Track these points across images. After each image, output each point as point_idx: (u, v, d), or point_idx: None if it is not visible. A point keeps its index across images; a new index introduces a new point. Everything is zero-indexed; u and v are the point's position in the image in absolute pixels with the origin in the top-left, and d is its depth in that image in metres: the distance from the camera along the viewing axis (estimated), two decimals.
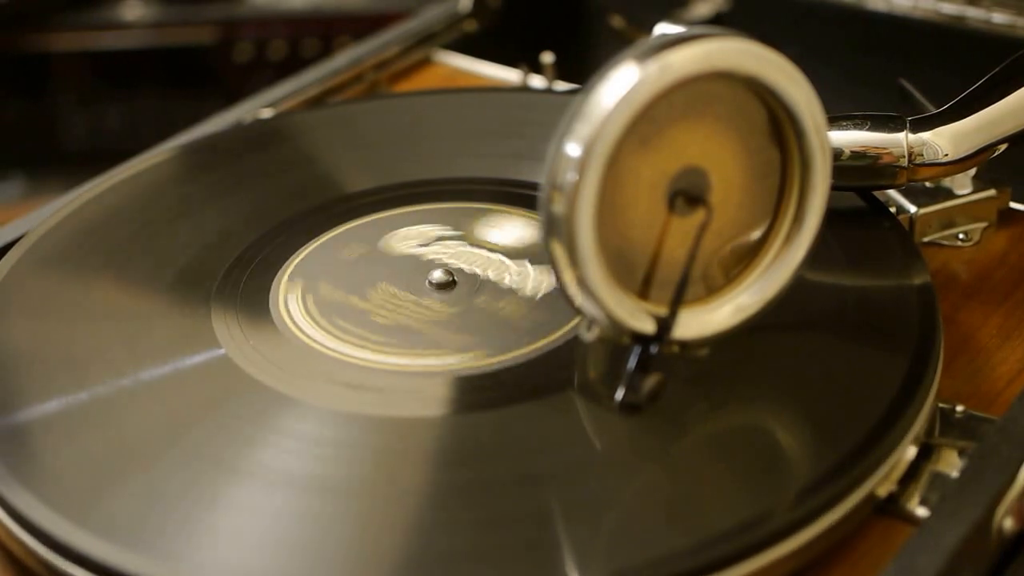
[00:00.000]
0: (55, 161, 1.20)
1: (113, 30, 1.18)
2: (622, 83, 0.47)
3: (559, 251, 0.48)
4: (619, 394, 0.49)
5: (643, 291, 0.51)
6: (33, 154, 1.20)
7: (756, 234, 0.53)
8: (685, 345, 0.52)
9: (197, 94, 1.19)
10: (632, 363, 0.50)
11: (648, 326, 0.50)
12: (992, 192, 0.67)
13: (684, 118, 0.50)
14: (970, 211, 0.67)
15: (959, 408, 0.55)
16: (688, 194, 0.51)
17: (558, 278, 0.49)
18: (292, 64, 1.03)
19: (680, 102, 0.49)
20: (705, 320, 0.52)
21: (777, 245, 0.53)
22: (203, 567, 0.47)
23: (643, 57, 0.47)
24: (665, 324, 0.50)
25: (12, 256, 0.63)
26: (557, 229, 0.48)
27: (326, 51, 1.14)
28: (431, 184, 0.68)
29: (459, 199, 0.66)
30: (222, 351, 0.56)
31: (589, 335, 0.51)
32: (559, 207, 0.47)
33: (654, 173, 0.50)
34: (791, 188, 0.52)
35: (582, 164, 0.47)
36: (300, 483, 0.50)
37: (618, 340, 0.51)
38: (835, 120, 0.61)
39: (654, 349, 0.50)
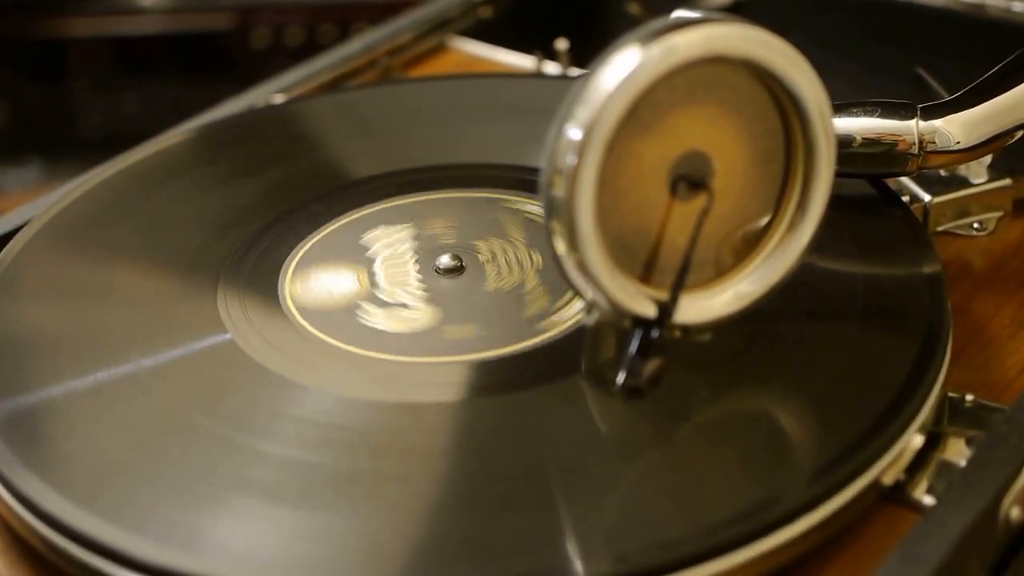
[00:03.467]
0: (72, 146, 1.20)
1: (130, 15, 1.18)
2: (623, 66, 0.47)
3: (559, 234, 0.48)
4: (620, 378, 0.49)
5: (645, 275, 0.51)
6: (50, 139, 1.20)
7: (761, 220, 0.53)
8: (687, 330, 0.51)
9: (214, 80, 1.19)
10: (633, 347, 0.50)
11: (649, 310, 0.50)
12: (1008, 181, 0.66)
13: (686, 102, 0.49)
14: (985, 200, 0.66)
15: (968, 397, 0.54)
16: (690, 179, 0.50)
17: (559, 261, 0.49)
18: (309, 50, 1.03)
19: (682, 86, 0.49)
20: (706, 305, 0.52)
21: (780, 232, 0.52)
22: (208, 551, 0.47)
23: (645, 40, 0.47)
24: (666, 309, 0.50)
25: (21, 239, 0.63)
26: (557, 212, 0.48)
27: (343, 37, 1.14)
28: (443, 170, 0.68)
29: (472, 185, 0.66)
30: (228, 336, 0.56)
31: (590, 319, 0.51)
32: (559, 190, 0.47)
33: (656, 157, 0.50)
34: (795, 175, 0.52)
35: (582, 147, 0.47)
36: (304, 468, 0.50)
37: (619, 324, 0.51)
38: (846, 107, 0.60)
39: (655, 333, 0.50)
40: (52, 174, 1.19)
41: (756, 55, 0.49)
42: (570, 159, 0.47)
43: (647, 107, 0.48)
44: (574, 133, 0.47)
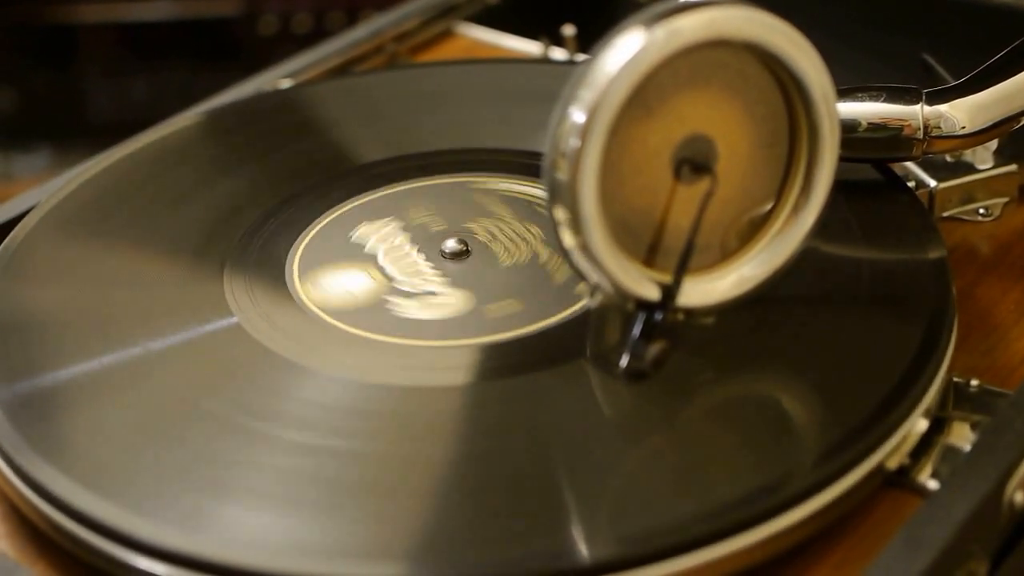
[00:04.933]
0: (81, 132, 1.20)
1: (139, 2, 1.18)
2: (627, 48, 0.47)
3: (563, 217, 0.48)
4: (624, 361, 0.49)
5: (649, 259, 0.51)
6: (59, 125, 1.21)
7: (765, 204, 0.53)
8: (690, 313, 0.52)
9: (222, 66, 1.19)
10: (637, 330, 0.50)
11: (652, 293, 0.50)
12: (1013, 167, 0.66)
13: (690, 85, 0.49)
14: (991, 186, 0.66)
15: (974, 382, 0.54)
16: (694, 162, 0.50)
17: (562, 244, 0.49)
18: (317, 37, 1.03)
19: (686, 69, 0.49)
20: (710, 289, 0.52)
21: (784, 215, 0.53)
22: (214, 534, 0.47)
23: (649, 23, 0.47)
24: (669, 292, 0.50)
25: (28, 222, 0.63)
26: (561, 195, 0.48)
27: (351, 24, 1.14)
28: (449, 155, 0.68)
29: (478, 170, 0.66)
30: (234, 319, 0.56)
31: (594, 301, 0.51)
32: (562, 173, 0.47)
33: (659, 140, 0.50)
34: (799, 158, 0.52)
35: (585, 130, 0.47)
36: (309, 452, 0.50)
37: (622, 306, 0.51)
38: (851, 92, 0.60)
39: (658, 316, 0.50)
40: (61, 160, 1.19)
41: (760, 38, 0.49)
42: (573, 142, 0.47)
43: (651, 90, 0.48)
44: (578, 116, 0.47)
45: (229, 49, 1.19)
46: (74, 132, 1.20)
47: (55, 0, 1.17)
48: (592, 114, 0.47)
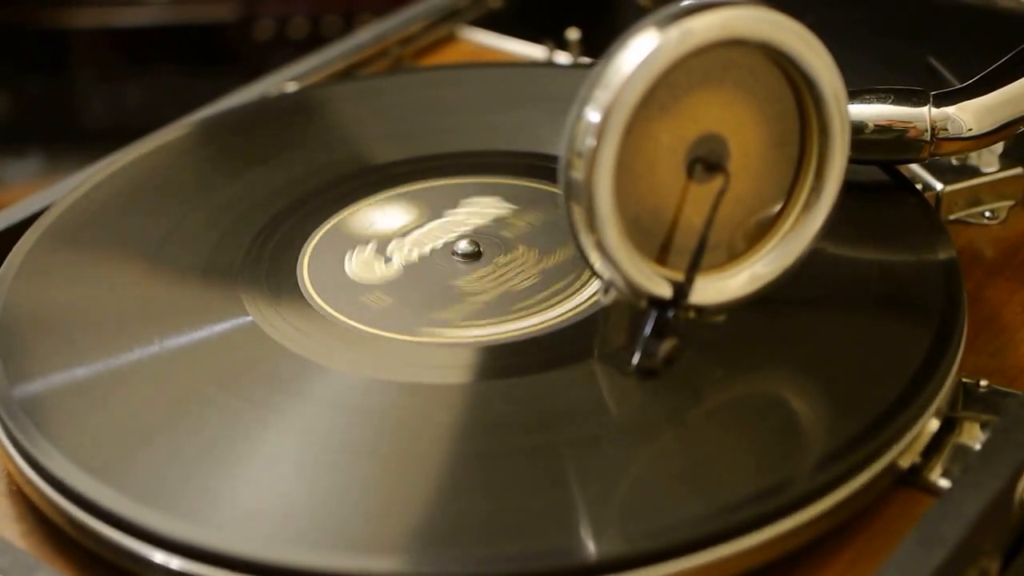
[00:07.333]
0: (74, 138, 1.20)
1: (133, 6, 1.18)
2: (642, 49, 0.47)
3: (578, 215, 0.48)
4: (635, 359, 0.49)
5: (661, 257, 0.51)
6: (52, 131, 1.20)
7: (776, 203, 0.53)
8: (701, 311, 0.52)
9: (217, 71, 1.19)
10: (648, 328, 0.50)
11: (665, 291, 0.50)
12: (1019, 170, 0.66)
13: (703, 85, 0.50)
14: (997, 189, 0.66)
15: (983, 383, 0.55)
16: (707, 161, 0.51)
17: (577, 242, 0.49)
18: (313, 42, 1.03)
19: (699, 69, 0.49)
20: (721, 287, 0.52)
21: (795, 214, 0.53)
22: (231, 528, 0.47)
23: (663, 23, 0.47)
24: (681, 289, 0.50)
25: (39, 226, 0.63)
26: (576, 194, 0.48)
27: (348, 29, 1.14)
28: (454, 157, 0.68)
29: (483, 172, 0.66)
30: (249, 319, 0.56)
31: (606, 298, 0.51)
32: (578, 172, 0.47)
33: (673, 139, 0.50)
34: (810, 157, 0.52)
35: (601, 129, 0.47)
36: (323, 449, 0.50)
37: (635, 304, 0.51)
38: (859, 94, 0.60)
39: (670, 314, 0.50)
40: (54, 166, 1.19)
41: (772, 38, 0.49)
42: (589, 141, 0.47)
43: (665, 90, 0.49)
44: (593, 115, 0.47)
45: (225, 54, 1.18)
46: (67, 137, 1.20)
47: (48, 4, 1.17)
48: (607, 114, 0.47)
